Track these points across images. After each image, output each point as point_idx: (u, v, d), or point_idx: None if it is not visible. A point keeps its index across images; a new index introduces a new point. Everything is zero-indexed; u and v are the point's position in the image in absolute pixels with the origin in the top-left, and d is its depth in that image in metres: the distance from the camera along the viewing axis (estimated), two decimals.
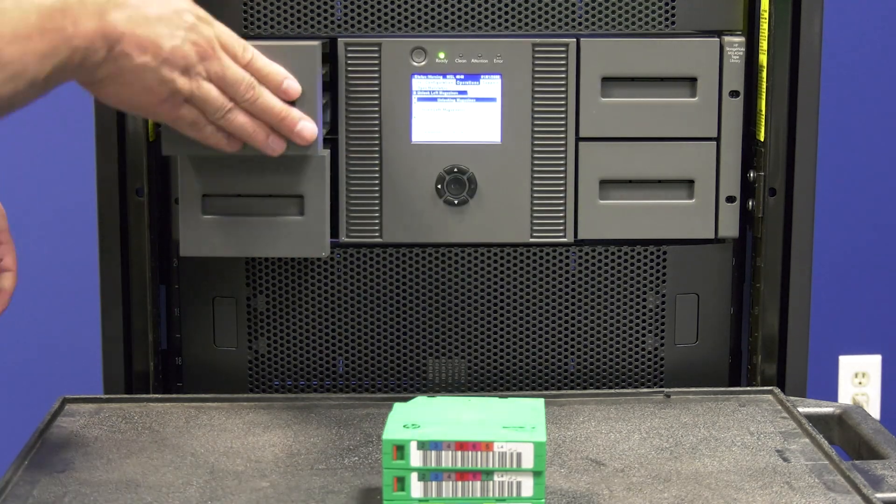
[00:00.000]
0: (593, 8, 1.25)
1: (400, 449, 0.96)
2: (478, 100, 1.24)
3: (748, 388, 1.25)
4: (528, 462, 0.95)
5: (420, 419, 0.98)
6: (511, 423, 0.98)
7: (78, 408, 1.18)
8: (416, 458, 0.96)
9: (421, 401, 1.03)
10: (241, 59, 1.09)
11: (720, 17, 1.25)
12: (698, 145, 1.25)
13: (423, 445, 0.96)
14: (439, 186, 1.24)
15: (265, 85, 1.10)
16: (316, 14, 1.24)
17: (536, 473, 0.95)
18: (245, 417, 1.17)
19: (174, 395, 1.24)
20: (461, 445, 0.95)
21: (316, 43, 1.14)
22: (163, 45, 1.03)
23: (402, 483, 0.96)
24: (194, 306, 1.27)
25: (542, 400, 1.03)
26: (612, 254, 1.28)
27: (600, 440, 1.12)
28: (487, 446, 0.95)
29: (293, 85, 1.12)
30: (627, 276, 1.28)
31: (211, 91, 1.07)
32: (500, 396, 1.10)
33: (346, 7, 1.24)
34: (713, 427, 1.15)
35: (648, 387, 1.29)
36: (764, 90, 1.25)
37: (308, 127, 1.12)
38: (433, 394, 1.26)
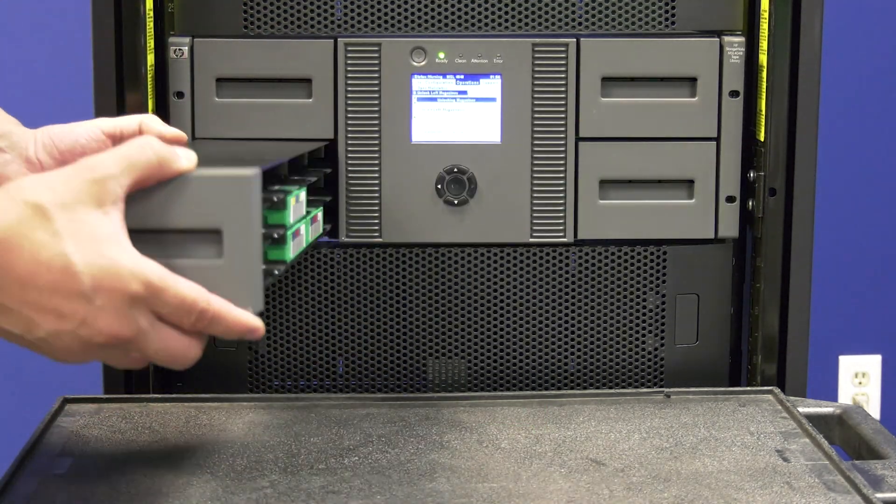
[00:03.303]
0: (593, 8, 1.25)
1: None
2: (478, 100, 1.24)
3: (748, 388, 1.25)
4: None
5: None
6: None
7: (78, 408, 1.18)
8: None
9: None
10: (192, 325, 0.87)
11: (720, 17, 1.25)
12: (698, 145, 1.26)
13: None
14: (439, 186, 1.24)
15: (224, 334, 0.89)
16: (316, 14, 1.24)
17: None
18: (245, 417, 1.17)
19: (174, 395, 1.24)
20: None
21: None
22: (33, 330, 0.82)
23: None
24: None
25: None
26: (612, 254, 1.28)
27: (600, 440, 1.12)
28: None
29: (257, 330, 0.89)
30: (627, 276, 1.28)
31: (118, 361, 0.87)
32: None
33: (346, 7, 1.24)
34: (713, 427, 1.15)
35: (648, 387, 1.29)
36: (764, 90, 1.25)
37: None
38: (431, 393, 1.26)
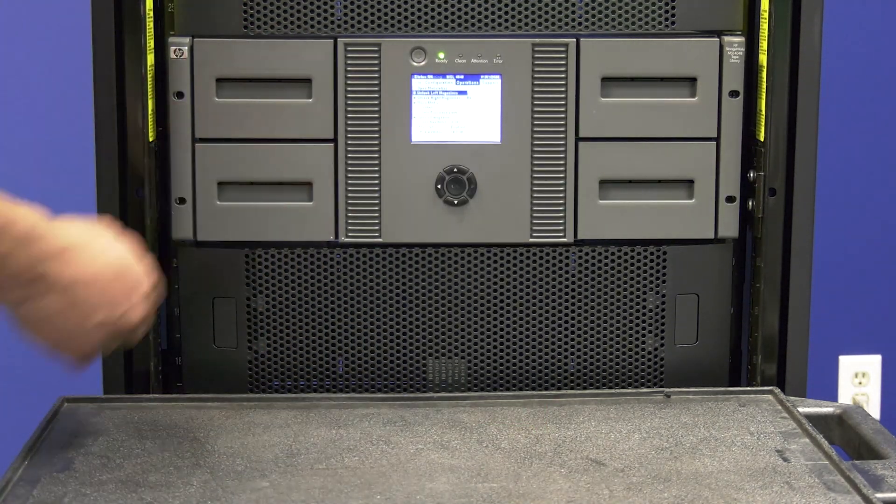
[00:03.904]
0: (593, 8, 1.25)
1: None
2: (478, 100, 1.24)
3: (748, 388, 1.25)
4: None
5: None
6: None
7: (78, 408, 1.18)
8: None
9: None
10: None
11: (720, 17, 1.25)
12: (698, 145, 1.26)
13: None
14: (439, 186, 1.24)
15: None
16: (316, 14, 1.24)
17: None
18: (245, 417, 1.17)
19: (174, 395, 1.24)
20: None
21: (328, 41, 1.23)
22: (84, 322, 1.05)
23: None
24: (194, 306, 1.27)
25: None
26: (612, 254, 1.28)
27: (600, 440, 1.12)
28: None
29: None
30: (627, 276, 1.28)
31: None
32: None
33: (346, 7, 1.24)
34: (713, 427, 1.15)
35: (648, 387, 1.29)
36: (764, 90, 1.25)
37: None
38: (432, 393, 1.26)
